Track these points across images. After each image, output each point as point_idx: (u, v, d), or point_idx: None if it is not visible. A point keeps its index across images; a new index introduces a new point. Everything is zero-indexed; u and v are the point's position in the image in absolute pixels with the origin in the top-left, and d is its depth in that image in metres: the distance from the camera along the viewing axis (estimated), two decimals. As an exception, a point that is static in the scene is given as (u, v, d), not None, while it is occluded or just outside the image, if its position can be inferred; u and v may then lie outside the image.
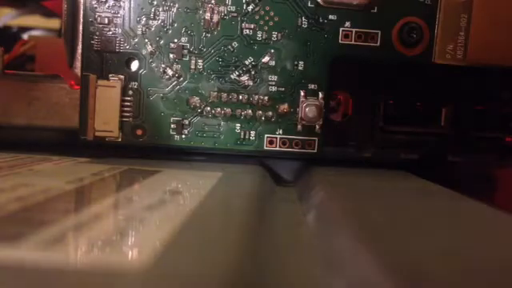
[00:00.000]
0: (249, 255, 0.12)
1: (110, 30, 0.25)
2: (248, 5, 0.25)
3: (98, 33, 0.25)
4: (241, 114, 0.25)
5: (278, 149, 0.26)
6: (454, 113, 0.27)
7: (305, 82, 0.25)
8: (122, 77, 0.25)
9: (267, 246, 0.15)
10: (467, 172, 0.28)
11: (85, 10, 0.24)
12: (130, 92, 0.25)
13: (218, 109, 0.25)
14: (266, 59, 0.25)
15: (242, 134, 0.25)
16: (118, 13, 0.25)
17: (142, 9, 0.25)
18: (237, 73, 0.25)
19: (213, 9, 0.25)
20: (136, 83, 0.25)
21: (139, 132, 0.25)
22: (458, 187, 0.21)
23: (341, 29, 0.25)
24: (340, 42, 0.25)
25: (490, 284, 0.10)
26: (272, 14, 0.25)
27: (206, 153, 0.26)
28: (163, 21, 0.25)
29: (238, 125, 0.25)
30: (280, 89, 0.25)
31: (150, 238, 0.12)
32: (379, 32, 0.25)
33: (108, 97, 0.25)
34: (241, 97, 0.25)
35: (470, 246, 0.13)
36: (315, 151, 0.26)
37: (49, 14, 0.34)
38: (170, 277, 0.10)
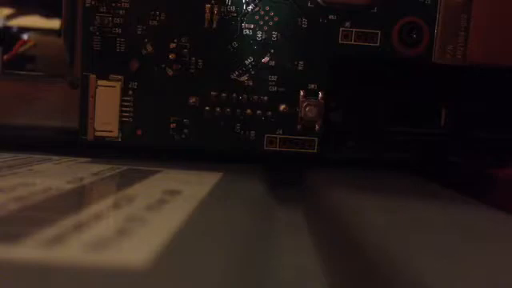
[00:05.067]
0: (248, 255, 0.12)
1: (110, 30, 0.25)
2: (248, 5, 0.25)
3: (97, 33, 0.25)
4: (241, 114, 0.25)
5: (278, 149, 0.26)
6: (454, 113, 0.27)
7: (305, 81, 0.25)
8: (121, 77, 0.25)
9: (267, 247, 0.15)
10: (467, 172, 0.28)
11: (85, 10, 0.24)
12: (130, 92, 0.25)
13: (218, 108, 0.25)
14: (265, 59, 0.25)
15: (242, 133, 0.25)
16: (118, 13, 0.25)
17: (142, 9, 0.25)
18: (237, 73, 0.25)
19: (213, 9, 0.25)
20: (136, 83, 0.25)
21: (139, 132, 0.25)
22: (458, 187, 0.21)
23: (341, 29, 0.25)
24: (340, 41, 0.25)
25: (490, 285, 0.10)
26: (272, 13, 0.25)
27: (206, 153, 0.26)
28: (163, 20, 0.25)
29: (238, 125, 0.25)
30: (280, 89, 0.25)
31: (149, 237, 0.12)
32: (379, 32, 0.25)
33: (108, 97, 0.25)
34: (241, 97, 0.25)
35: (470, 246, 0.13)
36: (315, 151, 0.26)
37: (49, 13, 0.34)
38: (170, 277, 0.10)
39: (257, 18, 0.25)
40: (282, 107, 0.25)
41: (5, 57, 0.27)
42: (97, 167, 0.21)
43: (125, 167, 0.22)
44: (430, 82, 0.27)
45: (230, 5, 0.25)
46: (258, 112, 0.25)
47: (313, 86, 0.25)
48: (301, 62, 0.25)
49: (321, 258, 0.15)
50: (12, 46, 0.29)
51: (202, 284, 0.10)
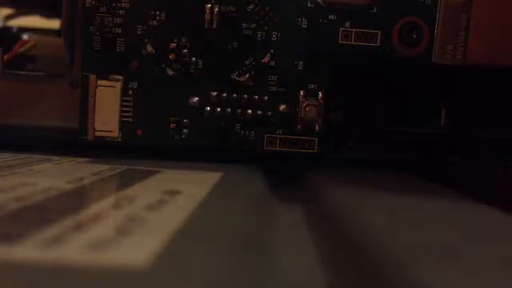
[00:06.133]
0: (248, 255, 0.12)
1: (110, 30, 0.25)
2: (248, 5, 0.25)
3: (97, 33, 0.25)
4: (241, 114, 0.25)
5: (278, 149, 0.26)
6: (454, 113, 0.27)
7: (305, 81, 0.25)
8: (121, 77, 0.25)
9: (267, 247, 0.15)
10: (467, 172, 0.28)
11: (85, 10, 0.24)
12: (130, 92, 0.25)
13: (218, 109, 0.25)
14: (265, 59, 0.25)
15: (242, 133, 0.25)
16: (118, 13, 0.25)
17: (142, 9, 0.25)
18: (237, 73, 0.25)
19: (213, 9, 0.25)
20: (136, 83, 0.25)
21: (139, 132, 0.25)
22: (458, 187, 0.21)
23: (341, 29, 0.25)
24: (340, 41, 0.25)
25: (490, 285, 0.10)
26: (272, 13, 0.25)
27: (206, 153, 0.26)
28: (163, 21, 0.25)
29: (238, 125, 0.25)
30: (280, 89, 0.25)
31: (149, 237, 0.12)
32: (379, 32, 0.25)
33: (108, 97, 0.25)
34: (241, 97, 0.25)
35: (470, 246, 0.13)
36: (315, 151, 0.26)
37: (49, 14, 0.34)
38: (170, 277, 0.10)
39: (257, 18, 0.25)
40: (282, 107, 0.25)
41: (5, 57, 0.27)
42: (97, 167, 0.21)
43: (125, 167, 0.22)
44: (430, 82, 0.27)
45: (230, 5, 0.25)
46: (258, 112, 0.25)
47: (313, 86, 0.25)
48: (301, 62, 0.25)
49: (321, 257, 0.15)
50: (12, 46, 0.29)
51: (201, 284, 0.10)
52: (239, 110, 0.25)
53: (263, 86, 0.25)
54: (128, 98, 0.25)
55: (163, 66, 0.25)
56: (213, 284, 0.10)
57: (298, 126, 0.25)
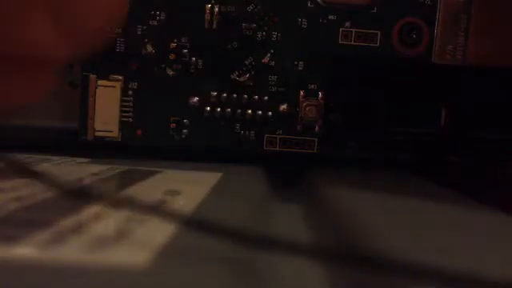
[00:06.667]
0: (248, 256, 0.12)
1: (109, 30, 0.25)
2: (248, 5, 0.25)
3: (97, 33, 0.24)
4: (241, 114, 0.25)
5: (277, 149, 0.26)
6: (454, 113, 0.27)
7: (305, 81, 0.25)
8: (121, 77, 0.25)
9: (267, 248, 0.15)
10: (467, 172, 0.28)
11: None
12: (130, 92, 0.25)
13: (218, 109, 0.25)
14: (266, 59, 0.25)
15: (242, 133, 0.25)
16: (118, 13, 0.24)
17: (142, 8, 0.25)
18: (237, 73, 0.25)
19: (213, 9, 0.25)
20: (136, 83, 0.25)
21: (139, 132, 0.25)
22: (458, 187, 0.21)
23: (341, 29, 0.25)
24: (340, 42, 0.25)
25: (490, 285, 0.10)
26: (272, 13, 0.25)
27: (206, 153, 0.26)
28: (163, 21, 0.25)
29: (238, 125, 0.25)
30: (280, 89, 0.25)
31: (149, 238, 0.12)
32: (379, 32, 0.25)
33: (108, 97, 0.25)
34: (241, 97, 0.25)
35: (470, 246, 0.13)
36: (315, 151, 0.26)
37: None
38: (170, 277, 0.10)
39: (257, 18, 0.25)
40: (282, 107, 0.25)
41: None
42: (97, 167, 0.21)
43: (125, 167, 0.22)
44: (430, 82, 0.27)
45: (230, 5, 0.25)
46: (258, 112, 0.25)
47: (313, 86, 0.25)
48: (301, 62, 0.25)
49: (321, 258, 0.15)
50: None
51: (201, 284, 0.10)
52: (239, 110, 0.25)
53: (263, 86, 0.25)
54: (128, 98, 0.25)
55: (163, 66, 0.25)
56: (212, 284, 0.10)
57: (298, 126, 0.25)
